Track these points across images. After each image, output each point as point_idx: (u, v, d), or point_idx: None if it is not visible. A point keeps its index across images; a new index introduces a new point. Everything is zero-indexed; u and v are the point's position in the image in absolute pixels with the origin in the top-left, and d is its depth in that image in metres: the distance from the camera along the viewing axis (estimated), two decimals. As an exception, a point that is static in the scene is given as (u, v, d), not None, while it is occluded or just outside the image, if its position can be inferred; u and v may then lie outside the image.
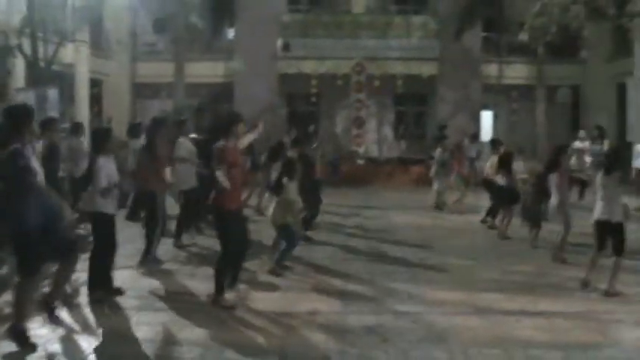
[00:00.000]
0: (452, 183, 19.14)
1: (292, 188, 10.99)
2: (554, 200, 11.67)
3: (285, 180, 10.96)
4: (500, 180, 14.57)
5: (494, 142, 16.51)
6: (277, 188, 11.07)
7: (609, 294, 9.46)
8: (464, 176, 19.57)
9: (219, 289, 8.72)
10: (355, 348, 7.14)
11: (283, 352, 6.99)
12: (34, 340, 7.07)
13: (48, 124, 12.48)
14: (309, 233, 13.55)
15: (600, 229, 9.78)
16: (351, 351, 7.04)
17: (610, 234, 9.70)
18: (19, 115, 7.24)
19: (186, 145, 13.13)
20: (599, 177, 9.91)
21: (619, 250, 9.60)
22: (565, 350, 7.11)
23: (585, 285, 9.86)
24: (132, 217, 15.00)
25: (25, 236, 6.98)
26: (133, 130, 15.62)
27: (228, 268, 8.86)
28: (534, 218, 13.21)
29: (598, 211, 9.76)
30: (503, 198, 14.49)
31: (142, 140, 13.46)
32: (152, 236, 11.02)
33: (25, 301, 7.10)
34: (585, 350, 7.12)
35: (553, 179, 11.68)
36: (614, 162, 9.86)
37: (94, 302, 8.72)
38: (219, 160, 8.64)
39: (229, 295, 8.84)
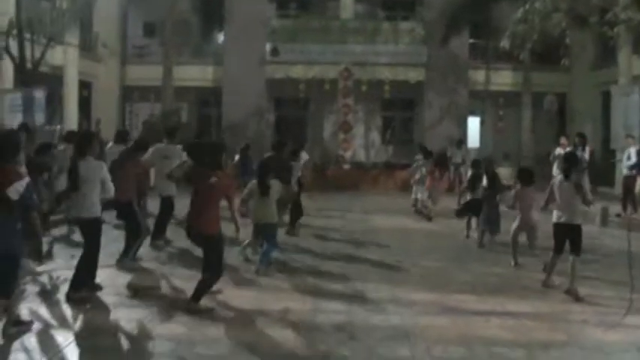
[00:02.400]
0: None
1: (275, 186, 11.21)
2: (518, 220, 11.84)
3: (269, 180, 11.23)
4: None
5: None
6: (263, 188, 11.23)
7: (570, 293, 9.68)
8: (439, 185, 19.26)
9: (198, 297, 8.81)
10: (323, 345, 7.34)
11: (253, 348, 7.18)
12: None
13: None
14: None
15: (559, 232, 10.02)
16: (319, 347, 7.25)
17: (568, 236, 9.91)
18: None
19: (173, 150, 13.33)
20: (557, 181, 10.12)
21: (576, 251, 9.84)
22: (528, 349, 7.31)
23: (547, 286, 10.18)
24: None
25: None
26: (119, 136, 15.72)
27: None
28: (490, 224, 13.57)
29: (556, 215, 10.01)
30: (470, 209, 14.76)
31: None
32: (132, 240, 11.22)
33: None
34: (547, 349, 7.32)
35: (519, 196, 11.82)
36: (572, 167, 10.05)
37: (77, 300, 8.91)
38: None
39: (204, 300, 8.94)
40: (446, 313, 8.73)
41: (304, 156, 18.92)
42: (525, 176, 11.87)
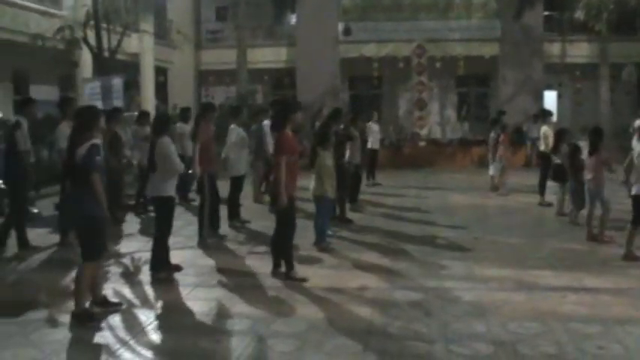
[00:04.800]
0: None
1: (326, 157, 11.17)
2: (590, 184, 11.66)
3: (319, 149, 11.19)
4: (556, 157, 14.47)
5: (544, 113, 16.68)
6: (312, 158, 11.29)
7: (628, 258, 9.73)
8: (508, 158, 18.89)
9: (289, 264, 9.31)
10: (399, 321, 7.42)
11: (329, 325, 7.30)
12: (97, 315, 7.65)
13: (110, 116, 13.05)
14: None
15: (637, 203, 9.87)
16: (395, 323, 7.32)
17: None
18: (88, 116, 7.67)
19: (237, 131, 13.55)
20: (636, 153, 9.98)
21: None
22: (604, 325, 7.22)
23: (627, 258, 10.04)
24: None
25: (93, 223, 7.46)
26: (183, 114, 16.22)
27: (285, 245, 9.37)
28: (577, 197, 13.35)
29: (636, 186, 9.86)
30: (558, 175, 14.45)
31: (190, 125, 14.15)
32: (202, 216, 11.50)
33: (83, 285, 7.56)
34: (624, 325, 7.20)
35: (590, 163, 11.64)
36: None
37: (158, 281, 9.28)
38: (278, 149, 9.15)
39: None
40: (522, 289, 8.72)
41: (375, 129, 19.30)
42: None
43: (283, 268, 9.40)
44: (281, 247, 9.41)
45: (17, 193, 11.12)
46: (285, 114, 9.46)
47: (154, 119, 10.73)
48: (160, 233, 9.57)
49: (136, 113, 17.45)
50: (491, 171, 18.62)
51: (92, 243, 7.51)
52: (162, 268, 9.48)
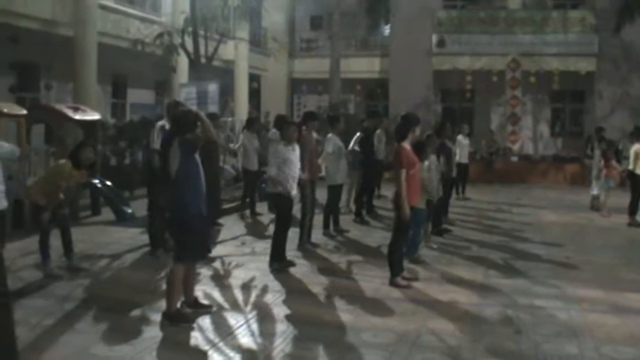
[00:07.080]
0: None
1: (421, 169, 11.01)
2: None
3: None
4: None
5: (638, 131, 16.16)
6: None
7: None
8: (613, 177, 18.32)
9: (395, 272, 9.52)
10: (488, 337, 7.33)
11: (417, 338, 7.25)
12: (188, 316, 7.78)
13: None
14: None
15: None
16: (484, 340, 7.23)
17: None
18: (179, 121, 7.82)
19: (334, 140, 13.61)
20: None
21: None
22: (703, 353, 7.01)
23: None
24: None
25: (183, 223, 7.60)
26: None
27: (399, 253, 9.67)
28: None
29: None
30: None
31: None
32: (303, 222, 11.71)
33: (175, 286, 7.69)
34: None
35: None
36: None
37: (275, 271, 10.09)
38: (399, 162, 9.33)
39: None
40: (616, 312, 8.50)
41: (464, 143, 19.25)
42: None
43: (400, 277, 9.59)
44: (399, 256, 9.64)
45: (151, 192, 11.46)
46: (407, 127, 9.62)
47: (282, 123, 11.62)
48: (278, 226, 10.33)
49: (230, 119, 17.76)
50: (595, 190, 18.15)
51: (182, 244, 7.67)
52: (279, 260, 10.28)
